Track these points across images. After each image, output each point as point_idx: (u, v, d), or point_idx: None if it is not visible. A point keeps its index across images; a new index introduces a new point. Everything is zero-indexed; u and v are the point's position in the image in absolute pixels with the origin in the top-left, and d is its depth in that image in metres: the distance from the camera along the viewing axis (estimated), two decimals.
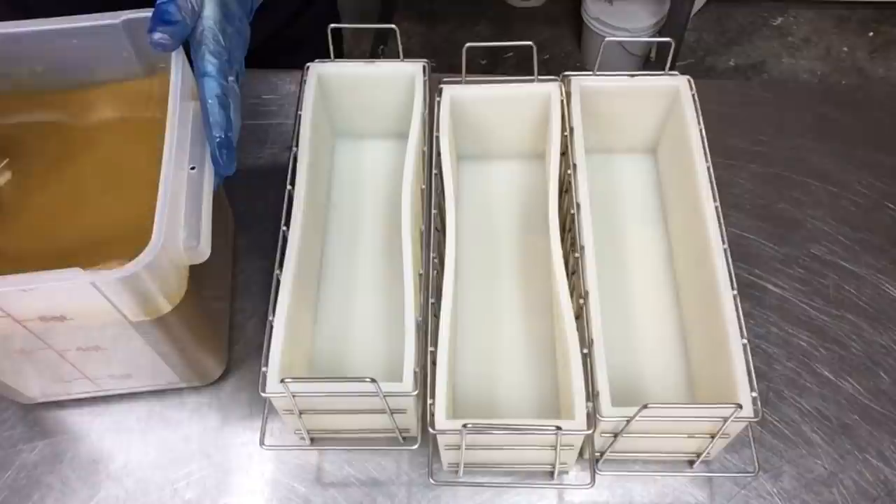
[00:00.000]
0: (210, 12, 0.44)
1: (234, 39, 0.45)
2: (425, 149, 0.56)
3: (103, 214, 0.47)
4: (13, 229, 0.46)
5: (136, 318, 0.42)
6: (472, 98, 0.57)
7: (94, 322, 0.42)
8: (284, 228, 0.51)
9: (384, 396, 0.43)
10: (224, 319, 0.56)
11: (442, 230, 0.53)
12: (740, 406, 0.42)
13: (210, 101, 0.43)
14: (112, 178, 0.49)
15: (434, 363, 0.45)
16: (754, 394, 0.44)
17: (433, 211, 0.52)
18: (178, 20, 0.42)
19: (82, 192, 0.48)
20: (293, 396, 0.44)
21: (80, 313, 0.41)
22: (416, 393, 0.45)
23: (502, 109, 0.59)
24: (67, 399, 0.53)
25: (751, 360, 0.45)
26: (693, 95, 0.56)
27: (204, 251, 0.42)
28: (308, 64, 0.58)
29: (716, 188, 0.51)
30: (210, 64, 0.43)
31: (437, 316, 0.47)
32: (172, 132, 0.43)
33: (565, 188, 0.54)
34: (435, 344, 0.46)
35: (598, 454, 0.49)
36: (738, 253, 0.59)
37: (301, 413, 0.47)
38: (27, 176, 0.49)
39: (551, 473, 0.49)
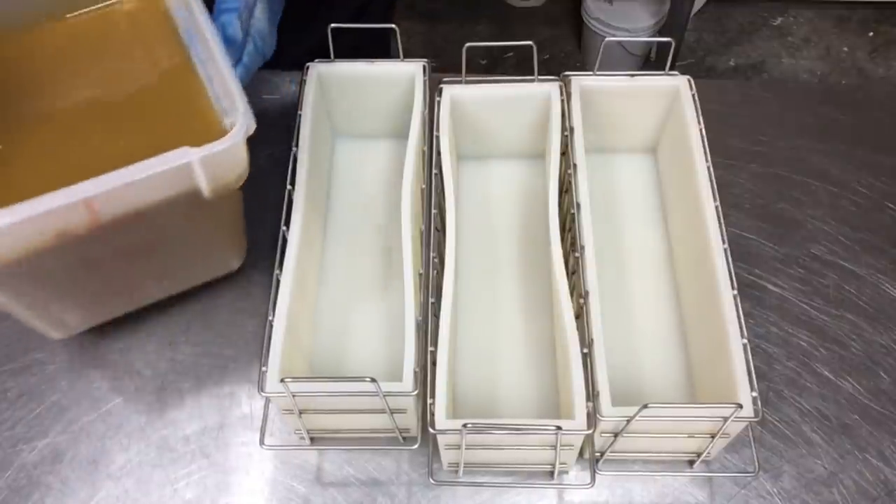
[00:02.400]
0: None
1: None
2: (425, 149, 0.56)
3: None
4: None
5: (212, 194, 0.44)
6: (472, 98, 0.57)
7: (168, 213, 0.44)
8: (284, 228, 0.51)
9: (384, 396, 0.44)
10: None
11: (442, 230, 0.53)
12: (740, 406, 0.42)
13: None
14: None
15: (434, 363, 0.45)
16: (754, 394, 0.44)
17: (433, 211, 0.52)
18: None
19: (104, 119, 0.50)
20: (293, 396, 0.44)
21: (160, 202, 0.42)
22: (416, 393, 0.45)
23: (502, 109, 0.59)
24: (103, 324, 0.55)
25: (751, 360, 0.45)
26: (693, 95, 0.56)
27: (252, 126, 0.43)
28: (308, 64, 0.58)
29: (716, 188, 0.51)
30: None
31: (437, 316, 0.47)
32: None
33: (565, 188, 0.54)
34: (435, 344, 0.46)
35: (598, 454, 0.49)
36: (738, 253, 0.59)
37: (301, 413, 0.47)
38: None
39: (551, 473, 0.49)
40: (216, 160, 0.42)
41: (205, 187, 0.43)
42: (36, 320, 0.49)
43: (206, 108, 0.48)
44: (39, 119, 0.49)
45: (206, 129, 0.47)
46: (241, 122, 0.42)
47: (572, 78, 0.57)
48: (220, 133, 0.43)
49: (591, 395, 0.44)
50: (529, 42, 0.57)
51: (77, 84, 0.51)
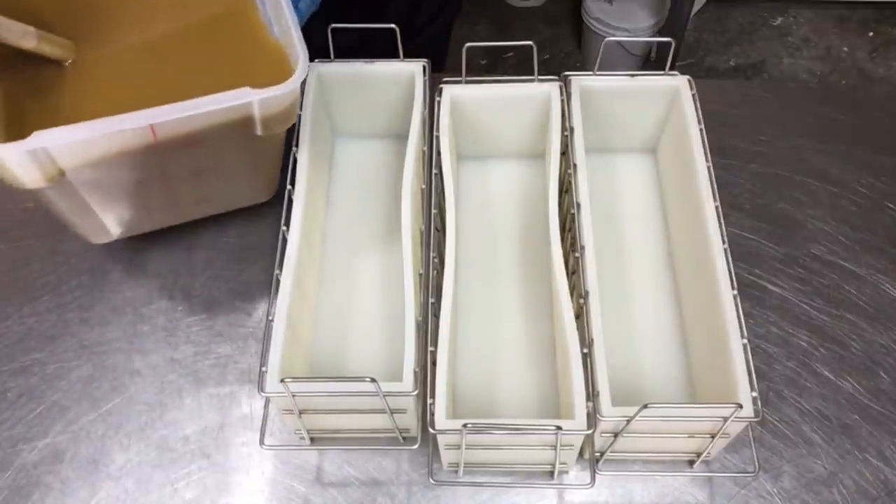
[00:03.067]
0: None
1: None
2: (425, 149, 0.56)
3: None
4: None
5: (263, 132, 0.48)
6: (472, 98, 0.57)
7: (222, 141, 0.48)
8: (284, 228, 0.51)
9: (384, 396, 0.43)
10: None
11: (442, 230, 0.53)
12: (740, 406, 0.42)
13: None
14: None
15: (434, 363, 0.45)
16: (754, 394, 0.44)
17: (433, 211, 0.52)
18: None
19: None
20: (293, 396, 0.44)
21: (216, 134, 0.46)
22: (416, 393, 0.45)
23: (502, 109, 0.59)
24: (140, 234, 0.59)
25: (751, 360, 0.45)
26: (693, 95, 0.56)
27: (305, 67, 0.46)
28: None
29: (716, 188, 0.51)
30: None
31: (437, 316, 0.47)
32: None
33: (565, 188, 0.54)
34: (435, 344, 0.46)
35: (598, 454, 0.49)
36: (738, 253, 0.59)
37: (301, 413, 0.47)
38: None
39: (551, 473, 0.49)
40: (273, 103, 0.45)
41: (259, 125, 0.47)
42: (83, 224, 0.54)
43: (267, 50, 0.52)
44: (115, 43, 0.53)
45: (265, 70, 0.51)
46: (300, 68, 0.46)
47: (572, 78, 0.57)
48: (278, 74, 0.46)
49: (591, 395, 0.44)
50: (529, 42, 0.57)
51: (151, 15, 0.54)
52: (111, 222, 0.54)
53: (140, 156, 0.46)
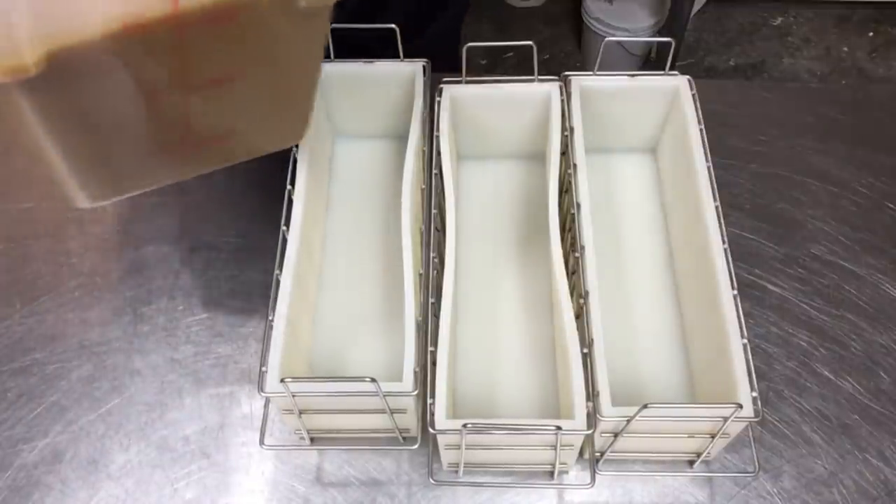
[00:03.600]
0: None
1: None
2: (425, 149, 0.56)
3: None
4: None
5: (307, 3, 0.38)
6: (472, 98, 0.57)
7: (254, 24, 0.38)
8: (284, 228, 0.51)
9: (384, 396, 0.43)
10: None
11: (442, 230, 0.53)
12: (740, 406, 0.42)
13: None
14: None
15: (434, 363, 0.45)
16: (754, 394, 0.44)
17: (433, 211, 0.52)
18: None
19: None
20: (293, 396, 0.44)
21: (252, 6, 0.36)
22: (416, 393, 0.45)
23: (502, 109, 0.59)
24: (126, 198, 0.47)
25: (751, 360, 0.45)
26: (693, 95, 0.56)
27: None
28: None
29: (716, 188, 0.51)
30: None
31: (437, 316, 0.47)
32: None
33: (565, 188, 0.54)
34: (435, 344, 0.46)
35: (598, 454, 0.49)
36: (738, 253, 0.59)
37: (301, 413, 0.47)
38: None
39: (551, 473, 0.49)
40: None
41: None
42: (62, 165, 0.40)
43: None
44: None
45: None
46: None
47: (572, 78, 0.57)
48: None
49: (591, 395, 0.44)
50: (529, 42, 0.57)
51: None
52: (100, 162, 0.42)
53: (151, 38, 0.35)
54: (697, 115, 0.55)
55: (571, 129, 0.55)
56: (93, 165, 0.42)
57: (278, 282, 0.48)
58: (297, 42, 0.42)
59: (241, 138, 0.47)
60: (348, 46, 0.58)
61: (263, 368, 0.45)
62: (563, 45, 1.77)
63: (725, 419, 0.43)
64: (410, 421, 0.49)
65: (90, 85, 0.36)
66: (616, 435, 0.45)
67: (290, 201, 0.52)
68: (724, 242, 0.49)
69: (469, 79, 0.57)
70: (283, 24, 0.39)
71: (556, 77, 0.58)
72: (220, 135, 0.45)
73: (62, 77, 0.34)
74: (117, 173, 0.44)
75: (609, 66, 0.56)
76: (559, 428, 0.42)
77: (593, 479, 0.47)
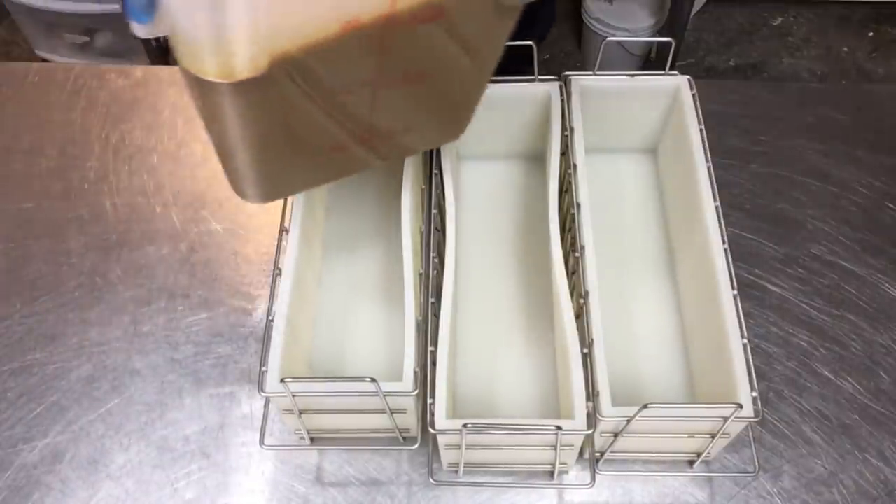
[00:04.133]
0: None
1: None
2: None
3: None
4: None
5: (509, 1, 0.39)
6: None
7: (463, 18, 0.39)
8: (284, 229, 0.51)
9: (384, 396, 0.43)
10: None
11: (442, 230, 0.53)
12: (740, 406, 0.42)
13: None
14: None
15: (434, 363, 0.45)
16: (754, 394, 0.44)
17: (433, 211, 0.52)
18: None
19: None
20: (293, 396, 0.44)
21: (461, 4, 0.37)
22: (416, 393, 0.45)
23: (502, 109, 0.59)
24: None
25: (751, 360, 0.45)
26: (693, 95, 0.56)
27: None
28: None
29: (716, 188, 0.51)
30: None
31: (437, 316, 0.47)
32: None
33: (565, 188, 0.54)
34: (435, 344, 0.46)
35: (598, 454, 0.49)
36: (738, 253, 0.59)
37: (301, 413, 0.47)
38: None
39: (551, 473, 0.49)
40: None
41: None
42: (255, 169, 0.43)
43: None
44: None
45: None
46: None
47: (572, 78, 0.57)
48: None
49: (591, 395, 0.44)
50: (529, 42, 0.57)
51: None
52: (281, 162, 0.44)
53: (365, 38, 0.35)
54: (697, 115, 0.55)
55: (571, 129, 0.55)
56: (274, 165, 0.43)
57: (278, 282, 0.48)
58: (486, 42, 0.42)
59: (414, 134, 0.47)
60: None
61: (263, 368, 0.45)
62: (563, 45, 1.77)
63: (725, 419, 0.43)
64: (410, 421, 0.49)
65: (296, 87, 0.37)
66: (616, 435, 0.45)
67: (290, 202, 0.52)
68: (724, 242, 0.49)
69: None
70: (480, 22, 0.40)
71: (556, 77, 0.58)
72: (399, 130, 0.46)
73: (275, 79, 0.35)
74: (290, 174, 0.45)
75: (609, 66, 0.56)
76: (559, 428, 0.42)
77: (593, 479, 0.47)
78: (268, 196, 0.47)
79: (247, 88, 0.35)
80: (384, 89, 0.41)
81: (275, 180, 0.45)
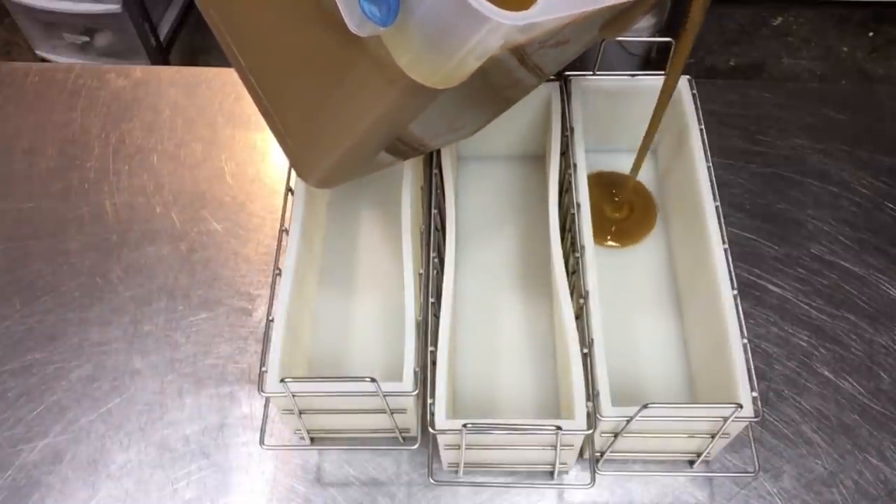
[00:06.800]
0: None
1: None
2: None
3: None
4: None
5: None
6: None
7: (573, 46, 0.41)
8: (284, 228, 0.51)
9: (384, 396, 0.43)
10: None
11: (442, 230, 0.53)
12: (740, 406, 0.42)
13: None
14: None
15: (434, 363, 0.45)
16: (754, 394, 0.44)
17: (433, 211, 0.52)
18: None
19: None
20: (293, 396, 0.44)
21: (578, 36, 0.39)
22: (416, 393, 0.45)
23: None
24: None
25: (751, 360, 0.45)
26: (693, 95, 0.56)
27: None
28: None
29: (716, 188, 0.51)
30: None
31: (437, 316, 0.47)
32: None
33: (565, 188, 0.54)
34: (435, 344, 0.46)
35: (598, 454, 0.49)
36: (738, 253, 0.59)
37: (301, 413, 0.47)
38: None
39: (551, 473, 0.49)
40: None
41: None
42: (364, 157, 0.42)
43: None
44: None
45: None
46: None
47: (572, 78, 0.57)
48: None
49: (591, 394, 0.44)
50: None
51: None
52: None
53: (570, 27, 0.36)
54: (697, 115, 0.55)
55: (571, 129, 0.55)
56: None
57: (278, 282, 0.48)
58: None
59: (486, 116, 0.49)
60: None
61: (263, 368, 0.45)
62: None
63: (725, 419, 0.43)
64: (410, 421, 0.49)
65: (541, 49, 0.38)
66: (616, 435, 0.45)
67: (290, 201, 0.52)
68: (724, 242, 0.49)
69: None
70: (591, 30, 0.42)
71: (556, 77, 0.58)
72: (486, 111, 0.47)
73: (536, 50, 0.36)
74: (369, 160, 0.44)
75: (609, 66, 0.56)
76: (559, 428, 0.42)
77: (593, 478, 0.47)
78: (342, 181, 0.47)
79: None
80: (521, 71, 0.43)
81: (367, 166, 0.45)
